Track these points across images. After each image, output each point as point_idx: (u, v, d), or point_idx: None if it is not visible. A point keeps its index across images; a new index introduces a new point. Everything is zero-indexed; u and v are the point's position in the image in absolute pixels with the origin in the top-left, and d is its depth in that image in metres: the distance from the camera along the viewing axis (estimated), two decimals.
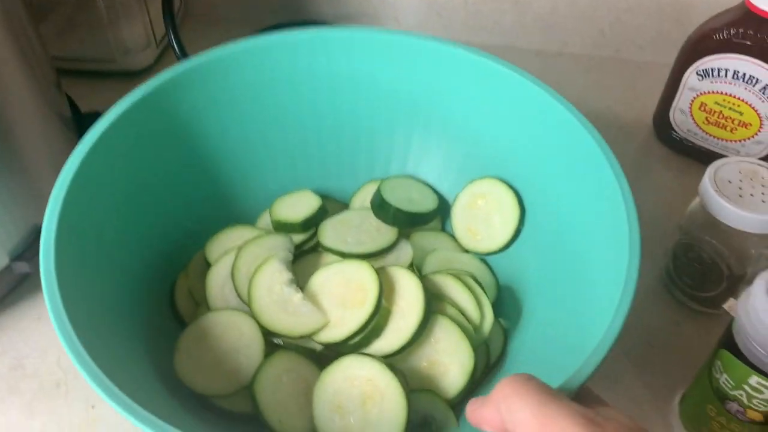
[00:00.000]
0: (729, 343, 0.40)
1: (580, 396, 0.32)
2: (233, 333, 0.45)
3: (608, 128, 0.69)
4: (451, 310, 0.45)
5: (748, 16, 0.55)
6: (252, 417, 0.42)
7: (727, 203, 0.47)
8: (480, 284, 0.47)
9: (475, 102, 0.51)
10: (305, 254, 0.51)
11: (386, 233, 0.51)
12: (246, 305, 0.46)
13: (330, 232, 0.51)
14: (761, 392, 0.39)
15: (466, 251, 0.52)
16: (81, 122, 0.61)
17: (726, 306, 0.42)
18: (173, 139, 0.49)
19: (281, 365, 0.44)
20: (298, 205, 0.52)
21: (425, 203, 0.53)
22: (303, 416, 0.42)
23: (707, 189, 0.48)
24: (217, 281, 0.48)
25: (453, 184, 0.54)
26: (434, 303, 0.45)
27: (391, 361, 0.43)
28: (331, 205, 0.55)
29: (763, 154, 0.61)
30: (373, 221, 0.52)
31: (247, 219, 0.54)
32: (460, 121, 0.52)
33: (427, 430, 0.42)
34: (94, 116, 0.64)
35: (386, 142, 0.55)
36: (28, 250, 0.51)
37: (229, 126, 0.52)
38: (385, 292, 0.44)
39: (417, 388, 0.43)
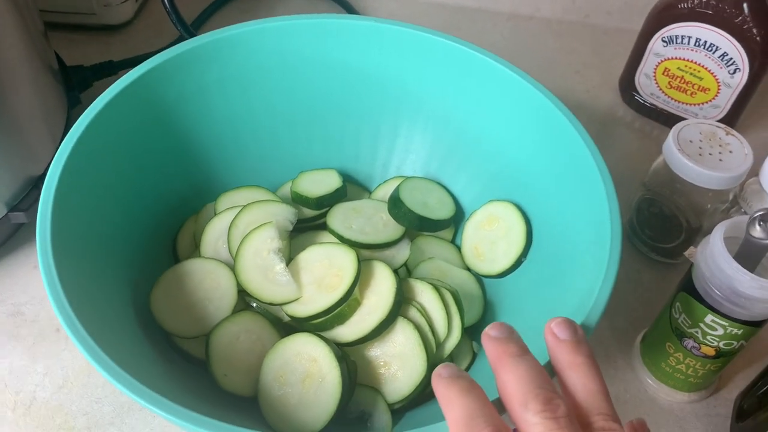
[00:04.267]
0: (688, 286, 0.45)
1: None
2: (211, 282, 0.47)
3: (576, 91, 0.74)
4: (419, 320, 0.45)
5: None
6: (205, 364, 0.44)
7: (688, 161, 0.51)
8: (460, 303, 0.47)
9: (484, 107, 0.52)
10: (313, 229, 0.53)
11: (391, 230, 0.52)
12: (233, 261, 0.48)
13: (338, 215, 0.52)
14: (715, 329, 0.44)
15: (467, 268, 0.52)
16: (67, 75, 0.62)
17: (686, 253, 0.46)
18: (188, 111, 0.51)
19: (243, 324, 0.45)
20: (320, 183, 0.53)
21: (439, 211, 0.53)
22: (248, 377, 0.44)
23: (671, 147, 0.52)
24: (215, 232, 0.50)
25: (474, 198, 0.54)
26: (406, 308, 0.46)
27: (348, 350, 0.45)
28: (355, 190, 0.56)
29: (719, 117, 0.66)
30: (384, 215, 0.52)
31: (270, 185, 0.55)
32: (487, 134, 0.52)
33: (362, 424, 0.43)
34: (80, 70, 0.65)
35: (420, 142, 0.56)
36: (24, 200, 0.53)
37: (251, 102, 0.53)
38: (362, 284, 0.45)
39: (364, 383, 0.44)
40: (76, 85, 0.62)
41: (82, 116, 0.44)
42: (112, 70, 0.66)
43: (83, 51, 0.71)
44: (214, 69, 0.50)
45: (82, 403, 0.48)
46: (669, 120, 0.68)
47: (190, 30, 0.63)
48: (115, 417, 0.47)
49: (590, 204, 0.43)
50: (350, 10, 0.78)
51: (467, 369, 0.47)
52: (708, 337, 0.44)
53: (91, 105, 0.45)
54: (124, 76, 0.47)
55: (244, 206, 0.50)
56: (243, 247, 0.47)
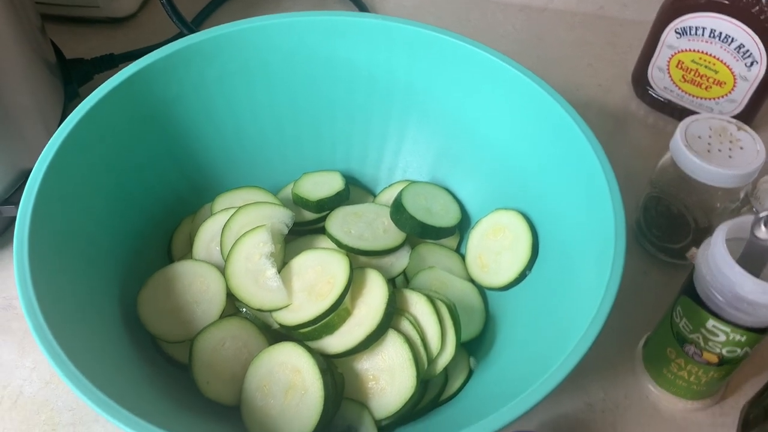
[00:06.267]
0: (689, 290, 0.42)
1: None
2: (200, 285, 0.46)
3: (588, 85, 0.71)
4: (411, 333, 0.43)
5: None
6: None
7: (696, 158, 0.48)
8: (456, 317, 0.44)
9: (494, 111, 0.50)
10: (312, 232, 0.51)
11: (391, 236, 0.50)
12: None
13: (338, 220, 0.50)
14: (716, 335, 0.41)
15: (470, 279, 0.50)
16: (66, 68, 0.61)
17: (688, 254, 0.44)
18: (188, 108, 0.50)
19: (230, 330, 0.44)
20: (322, 185, 0.52)
21: (442, 218, 0.51)
22: (232, 385, 0.43)
23: (678, 144, 0.50)
24: (208, 234, 0.49)
25: (482, 205, 0.52)
26: (398, 320, 0.44)
27: (336, 361, 0.43)
28: (359, 192, 0.55)
29: (736, 112, 0.63)
30: (385, 220, 0.51)
31: (273, 185, 0.54)
32: (496, 139, 0.50)
33: None
34: (79, 63, 0.65)
35: (427, 145, 0.54)
36: (16, 193, 0.52)
37: (254, 101, 0.52)
38: (354, 293, 0.44)
39: (351, 397, 0.43)
40: (75, 78, 0.61)
41: (74, 111, 0.44)
42: (112, 63, 0.65)
43: (87, 44, 0.71)
44: (216, 66, 0.49)
45: (68, 399, 0.47)
46: (683, 115, 0.65)
47: (188, 25, 0.62)
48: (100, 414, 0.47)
49: (596, 218, 0.42)
50: (358, 1, 0.76)
51: (462, 387, 0.45)
52: (710, 344, 0.42)
53: (85, 100, 0.44)
54: (121, 71, 0.46)
55: (239, 208, 0.48)
56: (234, 250, 0.46)
